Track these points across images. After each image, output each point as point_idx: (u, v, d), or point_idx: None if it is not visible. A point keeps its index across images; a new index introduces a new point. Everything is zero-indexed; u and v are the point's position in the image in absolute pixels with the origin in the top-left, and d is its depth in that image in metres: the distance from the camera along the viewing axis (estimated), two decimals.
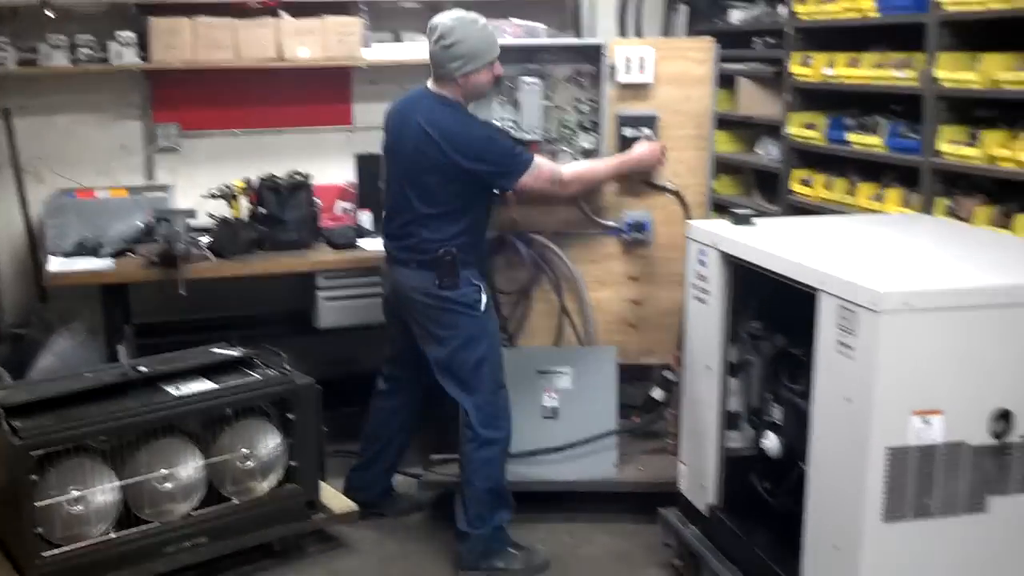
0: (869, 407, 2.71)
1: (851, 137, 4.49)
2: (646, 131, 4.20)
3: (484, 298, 3.89)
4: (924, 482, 2.77)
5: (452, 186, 3.81)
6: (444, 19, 3.77)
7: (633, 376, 4.66)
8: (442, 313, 3.86)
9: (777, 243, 3.28)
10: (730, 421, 3.60)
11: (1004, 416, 2.78)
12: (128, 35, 5.14)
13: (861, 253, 3.23)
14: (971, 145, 3.85)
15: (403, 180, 3.88)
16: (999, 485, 2.82)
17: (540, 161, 3.90)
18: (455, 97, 3.83)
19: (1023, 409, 2.79)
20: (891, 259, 3.16)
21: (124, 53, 5.16)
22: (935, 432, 2.74)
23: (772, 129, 5.20)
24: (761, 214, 3.97)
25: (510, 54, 4.05)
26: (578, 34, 5.84)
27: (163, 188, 5.24)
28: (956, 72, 3.87)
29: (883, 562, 2.79)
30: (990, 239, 3.53)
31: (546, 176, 3.89)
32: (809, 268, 2.97)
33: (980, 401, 2.77)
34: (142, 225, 4.78)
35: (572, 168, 4.02)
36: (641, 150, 4.14)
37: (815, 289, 2.92)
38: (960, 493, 2.80)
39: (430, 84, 3.88)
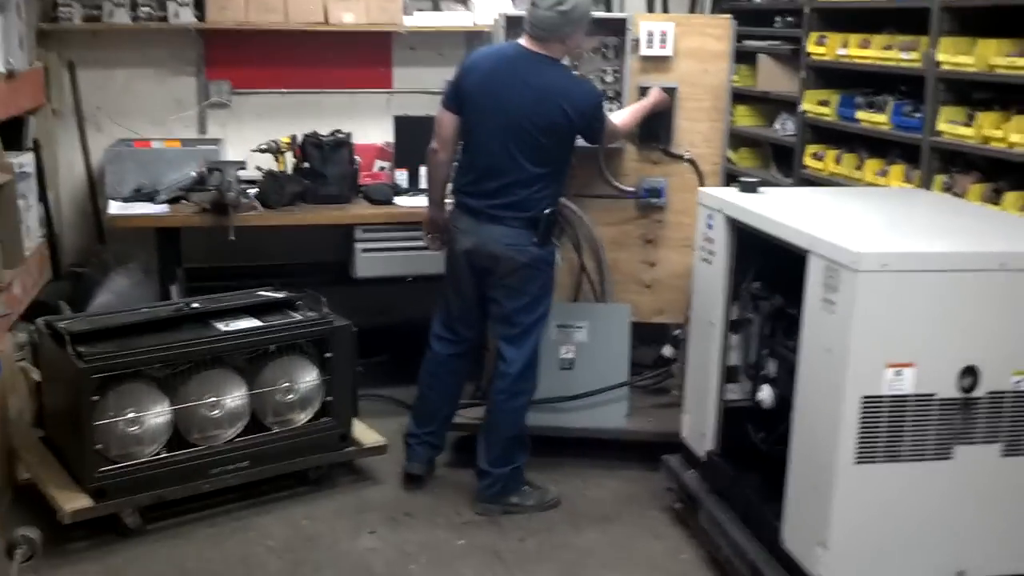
0: (846, 358, 3.00)
1: (860, 115, 4.75)
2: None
3: (558, 257, 4.20)
4: (895, 429, 3.05)
5: (562, 145, 4.02)
6: None
7: (650, 339, 4.97)
8: (531, 269, 4.05)
9: (777, 209, 3.56)
10: (730, 374, 3.88)
11: (971, 372, 3.06)
12: None
13: (852, 220, 3.52)
14: (967, 125, 4.11)
15: (507, 140, 3.95)
16: (965, 435, 3.10)
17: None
18: (560, 57, 4.01)
19: (989, 366, 3.06)
20: (878, 226, 3.44)
21: (181, 12, 5.51)
22: (906, 383, 3.03)
23: (789, 105, 5.45)
24: (768, 184, 4.25)
25: None
26: (608, 8, 6.11)
27: (214, 141, 5.59)
28: (955, 56, 4.12)
29: (854, 501, 3.08)
30: (977, 213, 3.81)
31: (611, 128, 4.20)
32: (801, 231, 3.27)
33: (950, 357, 3.05)
34: (195, 175, 5.08)
35: (619, 117, 4.30)
36: (654, 95, 4.43)
37: (805, 250, 3.21)
38: (928, 441, 3.08)
39: (528, 44, 3.98)
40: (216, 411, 4.08)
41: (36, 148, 5.05)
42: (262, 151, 5.22)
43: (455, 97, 4.10)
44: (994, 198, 4.02)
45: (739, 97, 5.83)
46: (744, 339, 3.86)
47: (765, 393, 3.67)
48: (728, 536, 3.62)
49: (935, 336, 3.03)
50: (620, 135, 4.35)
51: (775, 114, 5.68)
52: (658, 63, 4.51)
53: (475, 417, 4.45)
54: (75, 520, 3.77)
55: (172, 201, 5.02)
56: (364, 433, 4.48)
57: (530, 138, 3.95)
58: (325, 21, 5.64)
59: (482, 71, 4.04)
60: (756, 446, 3.76)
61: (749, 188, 3.88)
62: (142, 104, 5.75)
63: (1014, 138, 3.88)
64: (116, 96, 5.71)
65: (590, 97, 4.02)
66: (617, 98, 4.50)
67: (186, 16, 5.51)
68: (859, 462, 3.05)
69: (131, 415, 3.90)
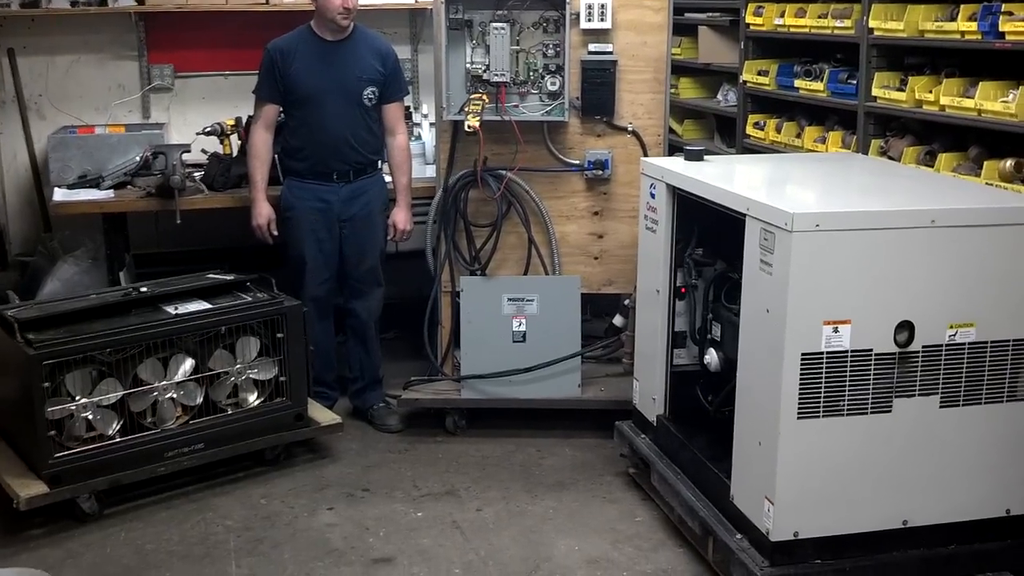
0: (784, 317, 3.07)
1: (798, 83, 4.83)
2: None
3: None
4: (835, 384, 3.14)
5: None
6: None
7: (603, 311, 5.05)
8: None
9: (715, 176, 3.64)
10: (677, 340, 3.97)
11: (907, 327, 3.15)
12: None
13: (788, 184, 3.60)
14: (900, 90, 4.20)
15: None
16: (904, 388, 3.19)
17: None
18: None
19: (924, 321, 3.16)
20: (814, 189, 3.53)
21: None
22: (844, 339, 3.11)
23: (731, 76, 5.52)
24: (712, 154, 4.32)
25: (481, 0, 4.43)
26: None
27: (158, 125, 5.56)
28: (886, 22, 4.21)
29: (798, 455, 3.16)
30: (911, 174, 3.91)
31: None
32: (738, 195, 3.34)
33: (885, 313, 3.13)
34: (139, 159, 5.06)
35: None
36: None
37: (743, 214, 3.28)
38: (868, 395, 3.17)
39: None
40: (169, 394, 4.09)
41: None
42: (207, 134, 5.20)
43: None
44: (928, 160, 4.12)
45: (683, 70, 5.90)
46: (689, 305, 3.93)
47: (711, 356, 3.75)
48: (680, 496, 3.70)
49: (870, 293, 3.11)
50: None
51: (718, 86, 5.76)
52: (598, 36, 4.54)
53: (434, 391, 4.54)
54: (31, 507, 3.78)
55: (118, 187, 5.00)
56: (319, 411, 4.51)
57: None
58: (266, 2, 5.63)
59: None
60: (705, 408, 3.84)
61: (695, 156, 3.94)
62: (85, 90, 5.71)
63: (945, 101, 3.97)
64: (58, 83, 5.66)
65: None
66: (559, 71, 4.54)
67: (126, 0, 5.47)
68: (801, 417, 3.14)
69: (83, 401, 3.90)
